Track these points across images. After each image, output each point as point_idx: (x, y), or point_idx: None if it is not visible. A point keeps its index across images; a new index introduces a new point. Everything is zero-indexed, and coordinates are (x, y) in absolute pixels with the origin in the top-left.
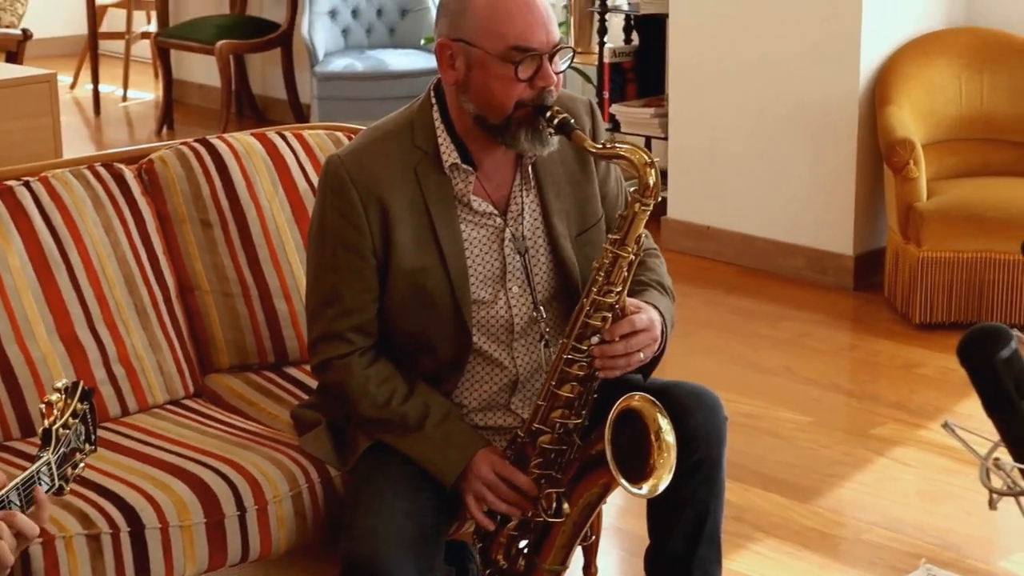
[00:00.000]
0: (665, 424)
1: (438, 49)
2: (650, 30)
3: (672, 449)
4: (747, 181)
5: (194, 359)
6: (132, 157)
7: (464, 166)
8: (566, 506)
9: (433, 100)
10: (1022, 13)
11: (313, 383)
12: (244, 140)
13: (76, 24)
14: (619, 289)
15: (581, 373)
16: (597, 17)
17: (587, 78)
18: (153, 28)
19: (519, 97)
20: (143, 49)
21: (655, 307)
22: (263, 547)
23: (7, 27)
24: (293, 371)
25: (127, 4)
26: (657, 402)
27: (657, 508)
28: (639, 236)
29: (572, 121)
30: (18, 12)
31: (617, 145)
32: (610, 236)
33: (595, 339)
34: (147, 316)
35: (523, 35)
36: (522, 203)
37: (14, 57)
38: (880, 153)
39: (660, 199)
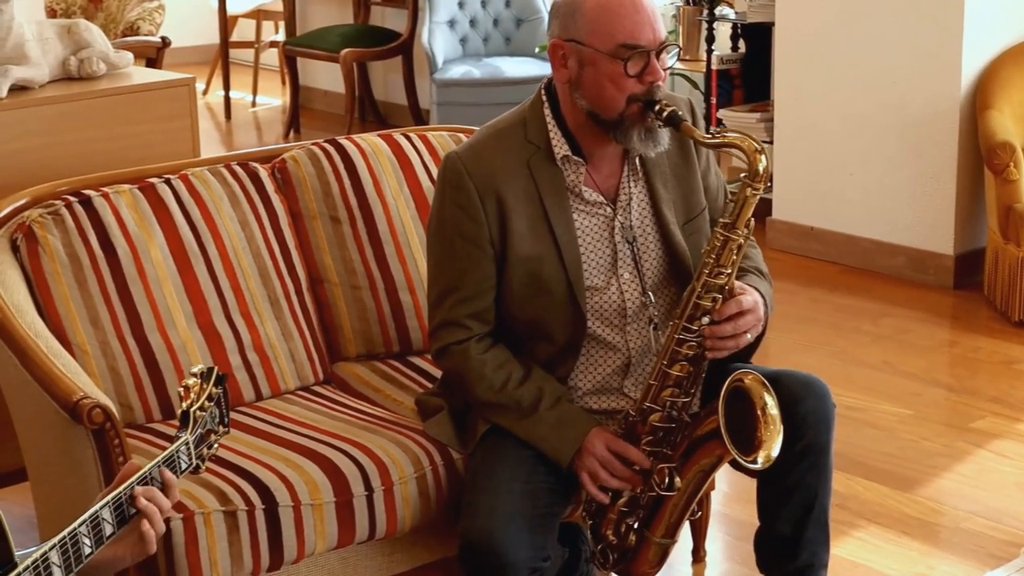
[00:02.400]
0: (770, 400)
1: (551, 49)
2: (756, 38)
3: (777, 422)
4: (850, 183)
5: (323, 348)
6: (266, 156)
7: (575, 158)
8: (678, 480)
9: (544, 98)
10: None
11: (436, 372)
12: (371, 140)
13: (209, 34)
14: (728, 271)
15: (691, 353)
16: (705, 25)
17: (695, 84)
18: (281, 37)
19: (629, 92)
20: (271, 57)
21: (757, 290)
22: (389, 526)
23: (147, 35)
24: (417, 360)
25: (257, 15)
26: (764, 380)
27: (766, 492)
28: (749, 220)
29: (680, 113)
30: (156, 22)
31: (727, 134)
32: (721, 220)
33: (705, 320)
34: (280, 307)
35: (631, 33)
36: (630, 193)
37: (153, 63)
38: (980, 156)
39: (767, 186)
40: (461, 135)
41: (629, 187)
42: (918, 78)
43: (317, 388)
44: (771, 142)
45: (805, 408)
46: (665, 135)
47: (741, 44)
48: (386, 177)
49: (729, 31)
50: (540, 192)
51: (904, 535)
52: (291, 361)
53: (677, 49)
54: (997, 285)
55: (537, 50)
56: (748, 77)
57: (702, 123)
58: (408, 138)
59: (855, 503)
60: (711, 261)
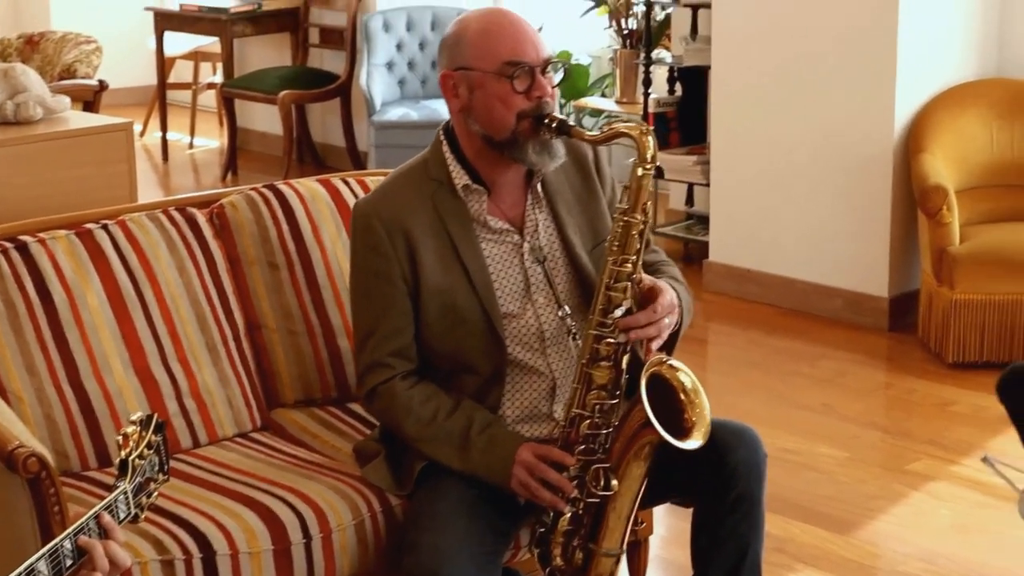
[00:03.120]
0: (687, 379)
1: (442, 81)
2: (693, 81)
3: (702, 397)
4: (786, 226)
5: (261, 394)
6: (204, 202)
7: (475, 186)
8: (614, 481)
9: (443, 137)
10: None
11: (373, 418)
12: (309, 185)
13: (146, 75)
14: (634, 258)
15: (610, 351)
16: (642, 69)
17: None
18: (219, 79)
19: (519, 109)
20: (209, 99)
21: (669, 284)
22: (328, 573)
23: (84, 78)
24: (355, 406)
25: (194, 56)
26: (677, 363)
27: (700, 541)
28: (646, 204)
29: (568, 120)
30: (93, 64)
31: (613, 125)
32: (618, 207)
33: (618, 312)
34: (217, 353)
35: (513, 51)
36: (536, 220)
37: (90, 106)
38: (914, 199)
39: (659, 166)
40: None
41: (534, 214)
42: (852, 122)
43: (255, 435)
44: (708, 184)
45: (736, 458)
46: (560, 148)
47: (678, 87)
48: (324, 222)
49: (666, 74)
50: (445, 223)
51: None
52: (228, 407)
53: (563, 67)
54: (931, 327)
55: None
56: (685, 120)
57: (606, 163)
58: (347, 183)
59: (793, 547)
60: (615, 249)
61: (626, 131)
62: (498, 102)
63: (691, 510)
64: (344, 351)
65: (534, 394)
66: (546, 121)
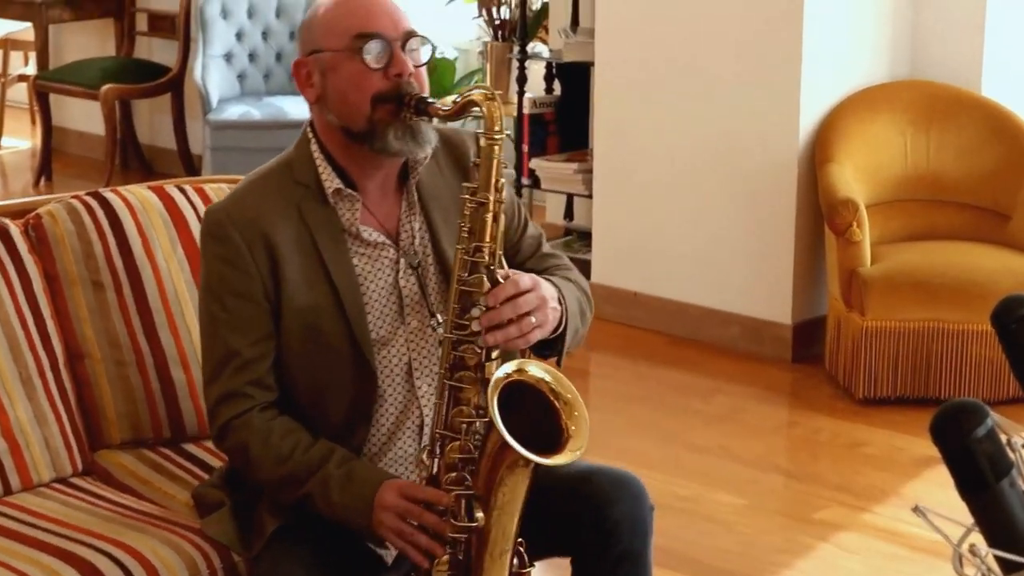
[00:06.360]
0: (551, 377)
1: (295, 70)
2: (574, 79)
3: (578, 401)
4: (677, 244)
5: (83, 433)
6: (18, 211)
7: (348, 191)
8: (479, 513)
9: (311, 135)
10: (969, 66)
11: (214, 461)
12: (140, 194)
13: None
14: (489, 245)
15: (473, 359)
16: (516, 64)
17: None
18: (31, 70)
19: (375, 91)
20: (19, 93)
21: (547, 279)
22: None
23: None
24: (191, 447)
25: (3, 44)
26: (538, 361)
27: None
28: (498, 181)
29: (427, 97)
30: None
31: (464, 93)
32: (466, 186)
33: (475, 311)
34: (32, 386)
35: (364, 22)
36: (412, 228)
37: None
38: (821, 214)
39: (508, 136)
40: None
41: (410, 223)
42: (752, 127)
43: (75, 480)
44: (590, 196)
45: (619, 512)
46: (430, 133)
47: (556, 86)
48: (157, 236)
49: (543, 71)
50: (313, 235)
51: None
52: (45, 449)
53: (431, 45)
54: (839, 358)
55: None
56: (564, 123)
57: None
58: (182, 191)
59: None
60: (466, 236)
61: (473, 98)
62: (351, 87)
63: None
64: (179, 384)
65: (402, 434)
66: (405, 100)
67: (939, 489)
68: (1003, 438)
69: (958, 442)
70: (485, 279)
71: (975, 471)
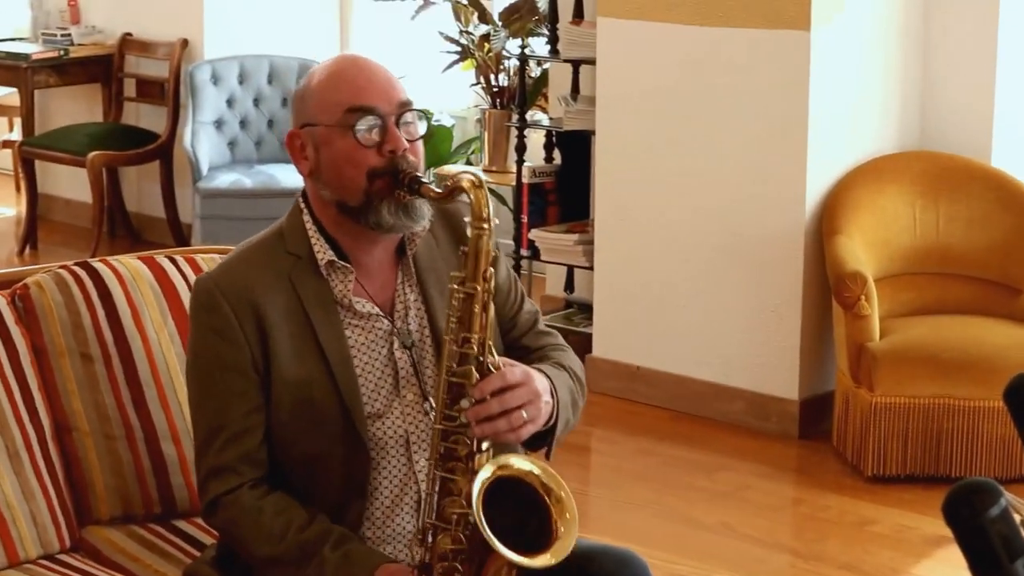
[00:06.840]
0: (538, 469)
1: (288, 142)
2: (574, 148)
3: (569, 500)
4: (681, 317)
5: (71, 509)
6: (5, 282)
7: (341, 263)
8: None
9: (303, 205)
10: (979, 137)
11: (206, 539)
12: (130, 264)
13: None
14: (478, 336)
15: (464, 450)
16: (515, 133)
17: (502, 200)
18: (17, 136)
19: (370, 166)
20: (4, 159)
21: (539, 371)
22: None
23: None
24: (183, 524)
25: None
26: (520, 456)
27: None
28: (487, 271)
29: (420, 175)
30: None
31: (454, 177)
32: (454, 275)
33: (464, 403)
34: (19, 460)
35: (356, 96)
36: (407, 302)
37: None
38: (828, 287)
39: (497, 223)
40: None
41: (405, 295)
42: (758, 198)
43: (63, 557)
44: (591, 268)
45: None
46: (424, 207)
47: (556, 155)
48: (147, 307)
49: (542, 139)
50: (304, 306)
51: None
52: (32, 525)
53: (424, 117)
54: (848, 435)
55: None
56: (564, 192)
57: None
58: (173, 261)
59: None
60: (454, 326)
61: (461, 185)
62: (345, 162)
63: None
64: (170, 459)
65: (400, 510)
66: (400, 177)
67: (950, 570)
68: (1017, 518)
69: (971, 522)
70: (474, 370)
71: (988, 552)
